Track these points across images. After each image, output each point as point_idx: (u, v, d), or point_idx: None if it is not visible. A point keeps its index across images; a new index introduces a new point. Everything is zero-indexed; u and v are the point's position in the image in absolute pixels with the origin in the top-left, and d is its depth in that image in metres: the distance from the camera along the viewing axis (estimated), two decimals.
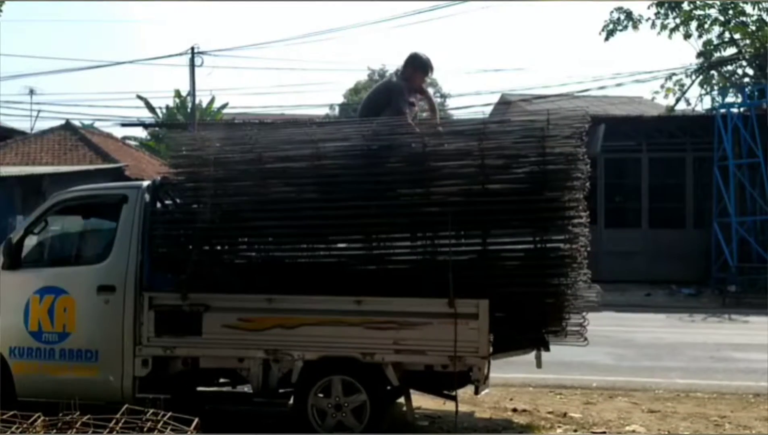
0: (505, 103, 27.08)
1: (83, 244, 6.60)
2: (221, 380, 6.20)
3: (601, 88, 25.05)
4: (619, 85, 23.69)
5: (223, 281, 5.73)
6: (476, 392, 5.56)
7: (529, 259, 5.38)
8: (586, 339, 5.34)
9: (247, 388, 5.97)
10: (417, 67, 6.28)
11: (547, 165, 5.32)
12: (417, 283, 5.48)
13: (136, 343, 5.66)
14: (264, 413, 6.04)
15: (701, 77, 26.11)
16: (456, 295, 5.19)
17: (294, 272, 5.74)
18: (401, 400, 5.78)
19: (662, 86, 25.99)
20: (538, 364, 5.70)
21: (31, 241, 6.26)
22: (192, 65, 25.82)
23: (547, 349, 5.55)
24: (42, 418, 4.04)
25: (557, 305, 5.32)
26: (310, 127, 6.31)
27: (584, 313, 5.41)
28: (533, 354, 5.82)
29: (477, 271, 5.38)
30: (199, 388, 6.12)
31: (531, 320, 5.34)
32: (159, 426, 3.98)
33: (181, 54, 26.36)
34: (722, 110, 19.97)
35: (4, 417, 4.02)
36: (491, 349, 5.34)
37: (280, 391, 5.64)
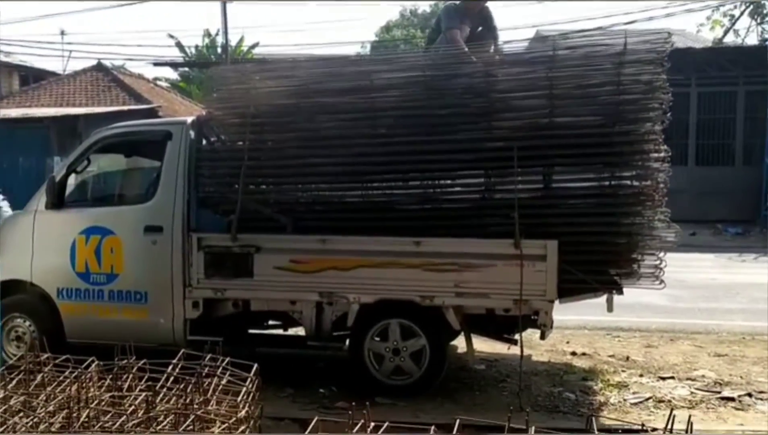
0: (540, 39, 26.18)
1: (128, 183, 6.41)
2: (272, 323, 6.04)
3: (650, 19, 24.05)
4: (669, 15, 22.66)
5: (273, 222, 5.49)
6: (542, 337, 5.30)
7: (601, 196, 5.03)
8: (662, 281, 5.00)
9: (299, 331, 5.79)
10: None
11: (622, 94, 4.91)
12: (477, 223, 5.20)
13: (186, 285, 5.48)
14: (317, 357, 5.89)
15: (751, 7, 24.90)
16: (520, 235, 4.89)
17: (345, 212, 5.47)
18: (455, 342, 5.56)
19: (708, 18, 24.90)
20: (609, 308, 5.39)
21: (73, 181, 6.06)
22: (223, 1, 25.23)
23: (621, 293, 5.23)
24: (96, 362, 3.88)
25: (630, 246, 4.98)
26: (361, 59, 5.96)
27: (660, 254, 5.06)
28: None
29: (544, 209, 5.06)
30: (251, 331, 5.96)
31: (602, 262, 5.01)
32: (218, 372, 3.81)
33: None
34: None
35: (57, 361, 3.88)
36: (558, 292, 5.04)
37: (334, 334, 5.44)
